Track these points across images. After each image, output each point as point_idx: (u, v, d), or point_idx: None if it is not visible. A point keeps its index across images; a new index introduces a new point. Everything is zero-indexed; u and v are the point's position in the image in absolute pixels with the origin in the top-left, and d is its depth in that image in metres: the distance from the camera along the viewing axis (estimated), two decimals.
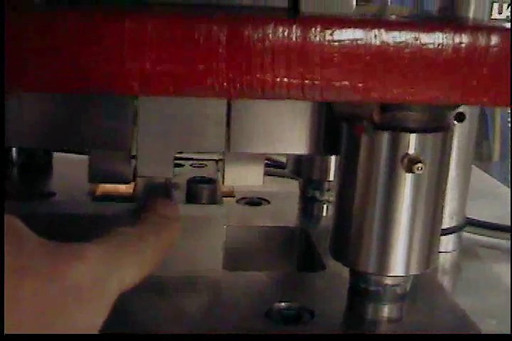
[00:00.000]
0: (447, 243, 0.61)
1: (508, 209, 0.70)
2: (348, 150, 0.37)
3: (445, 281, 0.60)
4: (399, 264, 0.38)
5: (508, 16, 2.05)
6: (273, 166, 0.69)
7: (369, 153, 0.36)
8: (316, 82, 0.32)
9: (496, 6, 2.11)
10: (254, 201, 0.58)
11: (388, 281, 0.38)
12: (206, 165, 0.52)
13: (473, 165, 0.92)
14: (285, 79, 0.32)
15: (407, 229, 0.37)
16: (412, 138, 0.36)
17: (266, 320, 0.38)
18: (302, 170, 0.55)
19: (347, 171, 0.38)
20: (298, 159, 0.55)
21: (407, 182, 0.36)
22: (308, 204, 0.56)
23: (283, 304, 0.40)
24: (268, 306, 0.40)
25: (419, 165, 0.34)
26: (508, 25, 0.35)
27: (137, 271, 0.32)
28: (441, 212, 0.38)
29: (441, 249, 0.61)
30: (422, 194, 0.37)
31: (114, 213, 0.42)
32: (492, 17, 2.07)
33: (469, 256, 0.62)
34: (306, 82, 0.32)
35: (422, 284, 0.43)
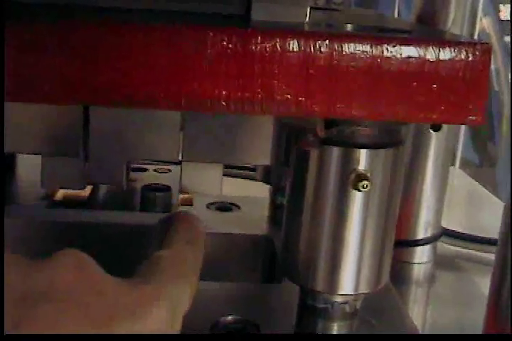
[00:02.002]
0: (421, 254, 0.60)
1: (491, 220, 0.69)
2: (297, 165, 0.36)
3: (418, 293, 0.59)
4: (348, 283, 0.36)
5: None
6: (250, 169, 0.68)
7: (318, 169, 0.35)
8: (256, 95, 0.31)
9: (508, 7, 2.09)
10: (225, 206, 0.57)
11: (337, 299, 0.37)
12: (170, 171, 0.51)
13: (462, 171, 0.92)
14: (224, 92, 0.31)
15: (356, 247, 0.36)
16: (362, 154, 0.34)
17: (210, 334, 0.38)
18: (271, 176, 0.54)
19: (296, 186, 0.37)
20: (267, 166, 0.54)
21: (356, 199, 0.35)
22: (276, 211, 0.55)
23: (230, 317, 0.39)
24: (215, 319, 0.39)
25: (365, 182, 0.33)
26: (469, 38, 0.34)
27: (190, 298, 0.31)
28: (393, 230, 0.37)
29: (415, 261, 0.60)
30: (373, 211, 0.36)
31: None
32: (503, 18, 2.05)
33: (444, 267, 0.61)
34: (246, 94, 0.31)
35: (376, 299, 0.41)
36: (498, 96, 1.86)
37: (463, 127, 1.20)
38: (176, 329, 0.29)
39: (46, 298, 0.26)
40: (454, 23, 0.55)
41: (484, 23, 1.80)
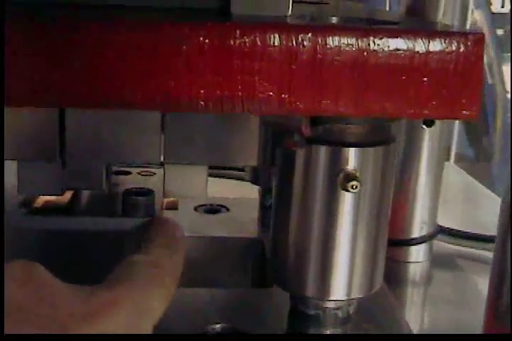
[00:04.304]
0: (417, 253, 0.59)
1: (488, 216, 0.67)
2: (283, 166, 0.35)
3: (414, 294, 0.57)
4: (340, 288, 0.35)
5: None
6: (238, 169, 0.66)
7: (304, 169, 0.33)
8: (237, 93, 0.29)
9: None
10: (213, 208, 0.55)
11: (328, 305, 0.36)
12: (155, 174, 0.50)
13: (456, 166, 0.90)
14: (202, 90, 0.29)
15: (348, 250, 0.34)
16: (350, 153, 0.33)
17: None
18: (260, 177, 0.52)
19: (282, 188, 0.35)
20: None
21: (346, 200, 0.33)
22: (266, 213, 0.53)
23: (218, 326, 0.37)
24: (202, 328, 0.37)
25: (354, 183, 0.32)
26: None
27: (163, 303, 0.30)
28: (386, 231, 0.36)
29: (411, 259, 0.59)
30: (363, 212, 0.34)
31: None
32: (494, 11, 2.04)
33: (441, 266, 0.59)
34: (226, 92, 0.29)
35: (370, 303, 0.40)
36: (491, 89, 1.85)
37: (457, 122, 1.18)
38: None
39: None
40: (444, 15, 0.53)
41: (476, 16, 1.79)
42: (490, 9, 2.01)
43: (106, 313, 0.26)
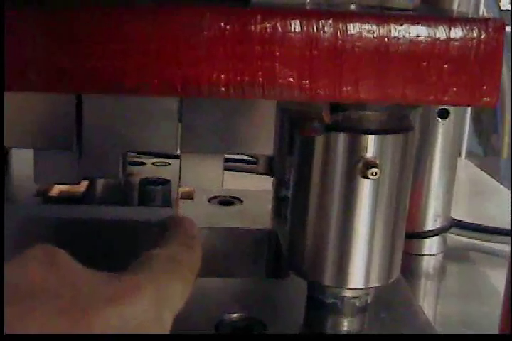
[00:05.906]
0: (431, 246, 0.58)
1: (500, 209, 0.67)
2: (301, 153, 0.34)
3: (428, 286, 0.57)
4: (358, 276, 0.35)
5: None
6: (251, 162, 0.66)
7: (323, 156, 0.33)
8: (257, 79, 0.29)
9: None
10: (227, 200, 0.55)
11: (346, 293, 0.36)
12: (169, 164, 0.49)
13: (468, 161, 0.90)
14: (222, 76, 0.29)
15: (366, 238, 0.34)
16: (370, 140, 0.33)
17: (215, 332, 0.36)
18: (274, 168, 0.52)
19: (301, 176, 0.35)
20: (269, 157, 0.52)
21: (365, 188, 0.33)
22: (280, 204, 0.53)
23: (235, 315, 0.37)
24: (219, 317, 0.37)
25: (374, 170, 0.32)
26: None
27: (183, 295, 0.30)
28: (404, 220, 0.35)
29: (425, 252, 0.59)
30: (383, 200, 0.34)
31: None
32: (502, 8, 2.03)
33: (455, 259, 0.59)
34: (246, 78, 0.29)
35: (387, 292, 0.40)
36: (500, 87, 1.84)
37: (467, 120, 1.18)
38: (164, 324, 0.28)
39: (15, 297, 0.24)
40: (458, 7, 0.53)
41: (485, 13, 1.78)
42: (499, 6, 2.01)
43: (129, 297, 0.26)
